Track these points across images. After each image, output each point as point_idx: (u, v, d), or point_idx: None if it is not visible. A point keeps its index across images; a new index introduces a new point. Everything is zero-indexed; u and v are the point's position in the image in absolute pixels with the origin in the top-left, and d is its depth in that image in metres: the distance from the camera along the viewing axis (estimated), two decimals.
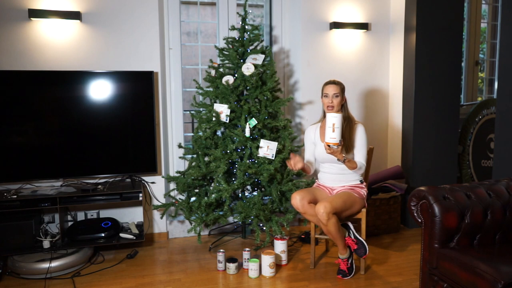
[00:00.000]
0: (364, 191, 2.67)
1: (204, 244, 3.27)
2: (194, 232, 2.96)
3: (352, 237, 2.62)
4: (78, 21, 3.02)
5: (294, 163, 2.56)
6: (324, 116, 2.75)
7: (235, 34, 3.40)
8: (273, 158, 2.90)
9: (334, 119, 2.38)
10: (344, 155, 2.49)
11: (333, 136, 2.39)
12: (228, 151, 2.95)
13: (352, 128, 2.63)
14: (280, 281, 2.63)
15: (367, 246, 2.59)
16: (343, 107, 2.67)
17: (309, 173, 2.75)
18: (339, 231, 2.51)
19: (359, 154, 2.63)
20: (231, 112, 3.03)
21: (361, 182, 2.71)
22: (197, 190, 3.17)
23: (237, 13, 3.36)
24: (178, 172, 3.25)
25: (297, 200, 2.54)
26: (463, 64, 4.56)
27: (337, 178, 2.68)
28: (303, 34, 3.55)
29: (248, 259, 2.73)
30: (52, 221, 3.08)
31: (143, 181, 3.25)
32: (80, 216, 3.19)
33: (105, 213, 3.24)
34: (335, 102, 2.61)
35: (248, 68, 3.00)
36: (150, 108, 3.11)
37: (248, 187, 3.21)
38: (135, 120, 3.10)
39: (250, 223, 3.21)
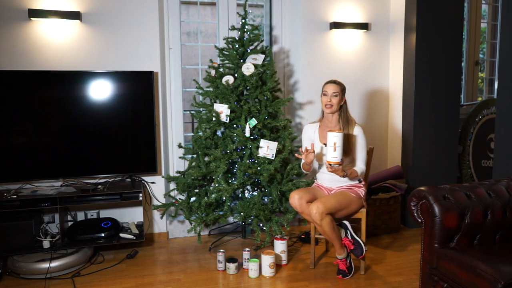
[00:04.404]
0: (362, 190, 2.66)
1: (204, 244, 3.26)
2: (194, 232, 2.96)
3: (349, 237, 2.62)
4: (78, 21, 3.02)
5: (306, 155, 2.53)
6: (323, 115, 2.75)
7: (235, 34, 3.40)
8: (273, 158, 2.90)
9: (335, 138, 2.39)
10: (344, 171, 2.50)
11: (335, 155, 2.41)
12: (228, 151, 2.95)
13: (350, 131, 2.63)
14: (280, 281, 2.63)
15: (364, 246, 2.59)
16: (341, 108, 2.67)
17: (307, 170, 2.72)
18: (334, 231, 2.51)
19: (359, 158, 2.64)
20: (231, 112, 3.03)
21: (359, 181, 2.71)
22: (197, 190, 3.17)
23: (237, 13, 3.36)
24: (178, 172, 3.25)
25: (295, 199, 2.55)
26: (463, 64, 4.56)
27: (335, 179, 2.67)
28: (303, 34, 3.55)
29: (248, 259, 2.73)
30: (52, 221, 3.08)
31: (143, 181, 3.25)
32: (80, 216, 3.19)
33: (105, 213, 3.24)
34: (334, 101, 2.61)
35: (248, 68, 3.00)
36: (150, 108, 3.11)
37: (248, 187, 3.21)
38: (135, 120, 3.10)
39: (250, 223, 3.21)
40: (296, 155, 2.66)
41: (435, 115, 3.53)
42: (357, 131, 2.63)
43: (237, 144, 2.95)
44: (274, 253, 2.69)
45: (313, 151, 2.53)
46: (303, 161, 2.66)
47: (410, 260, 2.90)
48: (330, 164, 2.44)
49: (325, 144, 2.64)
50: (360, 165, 2.63)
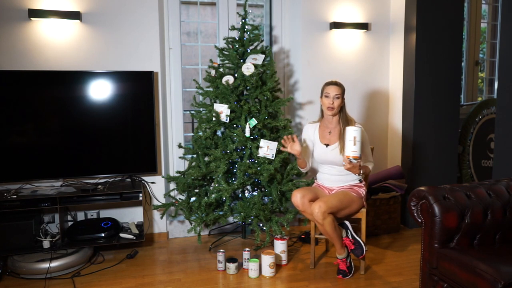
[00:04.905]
0: (362, 190, 2.67)
1: (204, 244, 3.26)
2: (194, 232, 2.96)
3: (350, 237, 2.62)
4: (78, 21, 3.02)
5: (291, 146, 2.58)
6: (322, 116, 2.75)
7: (235, 34, 3.40)
8: (273, 158, 2.90)
9: (354, 132, 2.38)
10: (361, 168, 2.50)
11: (355, 149, 2.38)
12: (228, 151, 2.95)
13: None
14: (280, 281, 2.63)
15: (364, 246, 2.59)
16: (342, 109, 2.67)
17: (304, 168, 2.77)
18: (336, 231, 2.51)
19: (367, 155, 2.69)
20: (231, 112, 3.03)
21: (360, 181, 2.71)
22: (197, 190, 3.17)
23: (237, 13, 3.36)
24: (178, 172, 3.25)
25: (298, 198, 2.55)
26: (463, 64, 4.56)
27: (336, 179, 2.68)
28: (303, 34, 3.55)
29: (248, 259, 2.73)
30: (52, 221, 3.08)
31: (143, 181, 3.25)
32: (80, 216, 3.19)
33: (105, 213, 3.24)
34: (336, 103, 2.61)
35: (248, 68, 3.00)
36: (150, 108, 3.11)
37: (248, 187, 3.21)
38: (135, 120, 3.10)
39: (250, 223, 3.21)
40: (281, 148, 2.69)
41: (435, 115, 3.53)
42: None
43: (237, 144, 2.95)
44: (274, 253, 2.69)
45: (298, 142, 2.58)
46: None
47: (410, 260, 2.90)
48: (349, 159, 2.41)
49: (326, 145, 2.65)
50: (369, 160, 2.71)
